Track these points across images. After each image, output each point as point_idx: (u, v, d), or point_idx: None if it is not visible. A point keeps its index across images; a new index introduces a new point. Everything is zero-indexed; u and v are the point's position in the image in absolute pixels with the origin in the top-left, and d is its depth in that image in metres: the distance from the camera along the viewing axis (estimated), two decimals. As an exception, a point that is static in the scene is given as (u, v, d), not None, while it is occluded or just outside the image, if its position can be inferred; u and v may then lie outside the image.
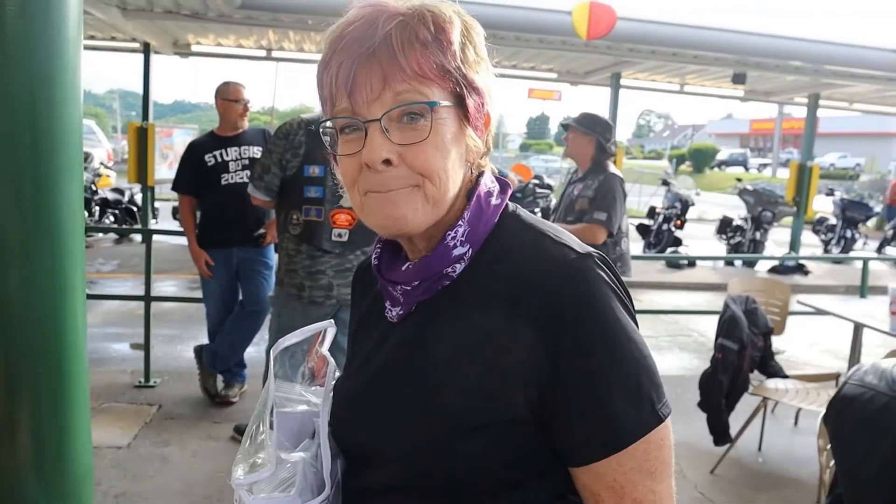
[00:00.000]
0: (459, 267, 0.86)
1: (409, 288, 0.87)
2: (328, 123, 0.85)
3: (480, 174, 0.91)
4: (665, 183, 13.31)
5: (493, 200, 0.89)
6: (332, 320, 0.98)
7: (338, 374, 0.92)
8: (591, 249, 0.84)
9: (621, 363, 0.79)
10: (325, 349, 0.93)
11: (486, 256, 0.86)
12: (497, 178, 0.93)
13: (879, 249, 13.96)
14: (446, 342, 0.84)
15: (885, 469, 1.84)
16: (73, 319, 1.81)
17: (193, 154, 4.30)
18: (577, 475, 0.81)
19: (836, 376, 4.07)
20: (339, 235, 3.05)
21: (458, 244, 0.86)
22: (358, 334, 0.99)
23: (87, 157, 12.19)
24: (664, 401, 0.81)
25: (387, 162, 0.80)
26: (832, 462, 2.27)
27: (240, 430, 4.09)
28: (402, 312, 0.89)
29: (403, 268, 0.89)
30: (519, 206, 0.94)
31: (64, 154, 1.77)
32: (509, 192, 0.92)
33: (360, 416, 0.89)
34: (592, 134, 3.88)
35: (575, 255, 0.83)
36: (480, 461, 0.80)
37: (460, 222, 0.86)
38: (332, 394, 0.91)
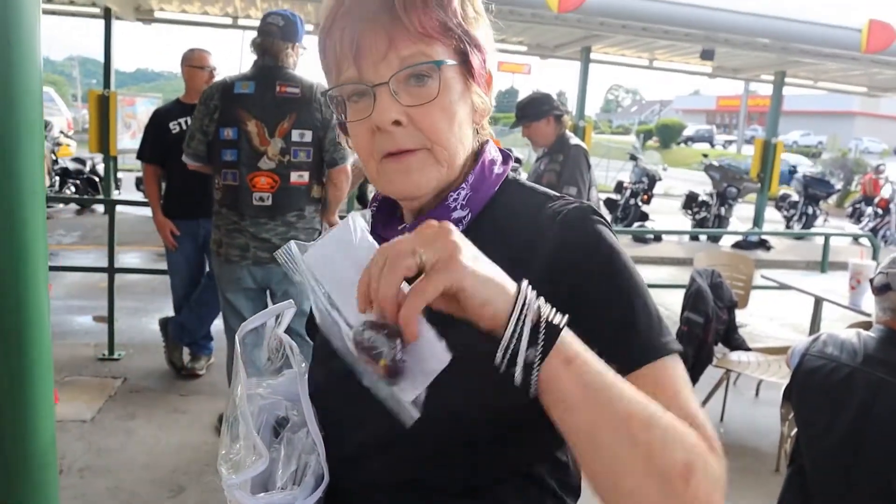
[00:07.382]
0: None
1: None
2: (334, 92, 0.83)
3: (486, 142, 0.90)
4: (633, 158, 13.41)
5: (497, 169, 0.89)
6: (291, 301, 0.94)
7: (301, 358, 0.88)
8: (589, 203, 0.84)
9: (638, 288, 0.78)
10: (281, 331, 0.89)
11: (485, 221, 0.85)
12: (500, 150, 0.92)
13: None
14: None
15: (843, 442, 1.89)
16: (35, 291, 1.76)
17: (158, 122, 4.21)
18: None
19: (797, 349, 4.17)
20: (262, 199, 3.01)
21: (458, 207, 0.84)
22: None
23: (46, 126, 11.80)
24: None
25: (397, 123, 0.79)
26: (793, 432, 2.32)
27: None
28: None
29: (400, 227, 0.87)
30: (518, 174, 0.93)
31: (24, 118, 1.71)
32: (511, 163, 0.91)
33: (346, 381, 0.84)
34: (544, 115, 3.93)
35: (575, 202, 0.82)
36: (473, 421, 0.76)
37: (463, 185, 0.85)
38: (307, 376, 0.87)
